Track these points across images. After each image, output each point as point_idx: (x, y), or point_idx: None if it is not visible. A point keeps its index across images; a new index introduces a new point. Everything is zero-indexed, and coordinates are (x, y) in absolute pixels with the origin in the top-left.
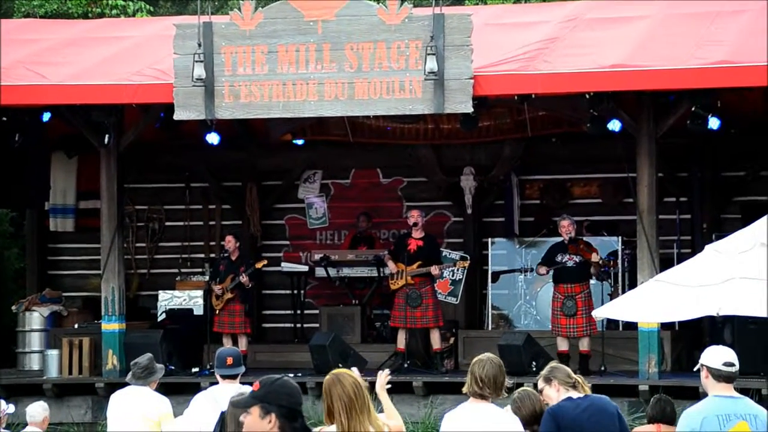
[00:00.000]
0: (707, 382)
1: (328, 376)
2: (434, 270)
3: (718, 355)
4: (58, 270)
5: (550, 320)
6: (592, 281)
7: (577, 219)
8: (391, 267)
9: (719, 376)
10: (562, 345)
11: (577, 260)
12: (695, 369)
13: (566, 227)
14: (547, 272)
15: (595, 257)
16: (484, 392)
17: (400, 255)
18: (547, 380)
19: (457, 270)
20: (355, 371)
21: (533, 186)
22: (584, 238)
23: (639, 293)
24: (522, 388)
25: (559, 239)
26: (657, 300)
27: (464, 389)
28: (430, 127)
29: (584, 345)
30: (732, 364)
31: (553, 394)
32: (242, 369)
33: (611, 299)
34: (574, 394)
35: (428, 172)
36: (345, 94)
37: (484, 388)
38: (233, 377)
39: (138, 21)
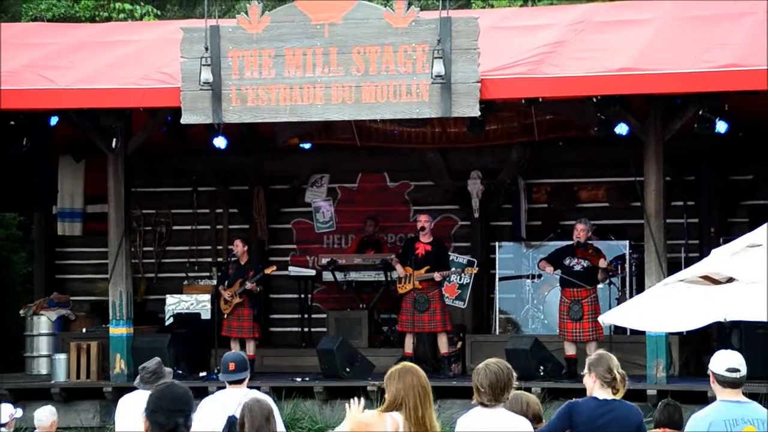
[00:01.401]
0: (714, 387)
1: (397, 367)
2: (437, 276)
3: (722, 361)
4: (65, 274)
5: (557, 324)
6: (600, 286)
7: None
8: (399, 271)
9: (724, 382)
10: (570, 349)
11: (585, 265)
12: (708, 372)
13: (579, 231)
14: (553, 272)
15: (603, 263)
16: (483, 400)
17: (407, 259)
18: (589, 369)
19: (465, 275)
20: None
21: (540, 190)
22: (594, 243)
23: (646, 299)
24: (516, 391)
25: (568, 242)
26: (664, 308)
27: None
28: (437, 131)
29: (592, 349)
30: (736, 370)
31: (590, 384)
32: (246, 374)
33: (619, 304)
34: (602, 395)
35: (435, 176)
36: (352, 98)
37: (483, 396)
38: (238, 382)
39: (145, 25)
